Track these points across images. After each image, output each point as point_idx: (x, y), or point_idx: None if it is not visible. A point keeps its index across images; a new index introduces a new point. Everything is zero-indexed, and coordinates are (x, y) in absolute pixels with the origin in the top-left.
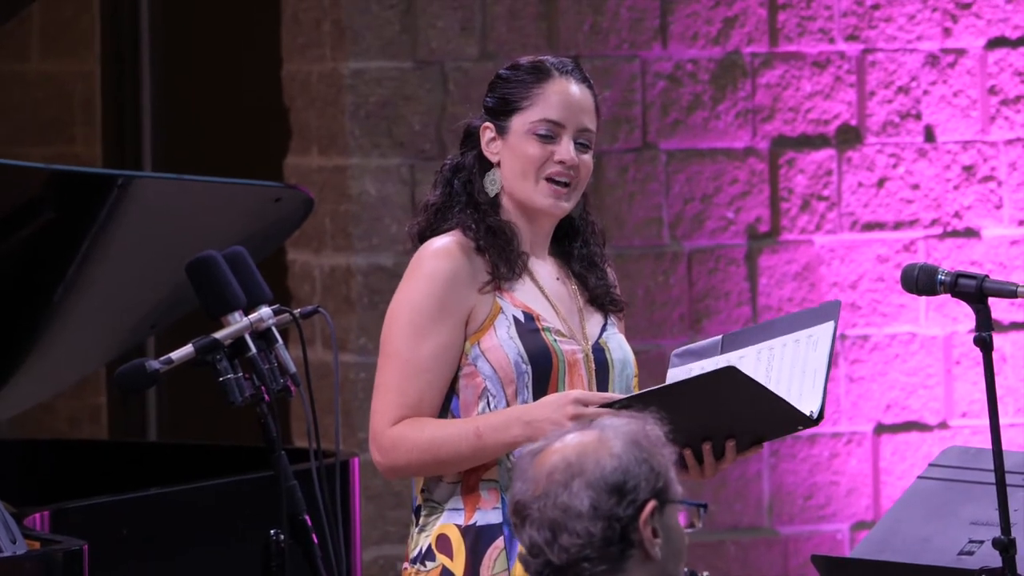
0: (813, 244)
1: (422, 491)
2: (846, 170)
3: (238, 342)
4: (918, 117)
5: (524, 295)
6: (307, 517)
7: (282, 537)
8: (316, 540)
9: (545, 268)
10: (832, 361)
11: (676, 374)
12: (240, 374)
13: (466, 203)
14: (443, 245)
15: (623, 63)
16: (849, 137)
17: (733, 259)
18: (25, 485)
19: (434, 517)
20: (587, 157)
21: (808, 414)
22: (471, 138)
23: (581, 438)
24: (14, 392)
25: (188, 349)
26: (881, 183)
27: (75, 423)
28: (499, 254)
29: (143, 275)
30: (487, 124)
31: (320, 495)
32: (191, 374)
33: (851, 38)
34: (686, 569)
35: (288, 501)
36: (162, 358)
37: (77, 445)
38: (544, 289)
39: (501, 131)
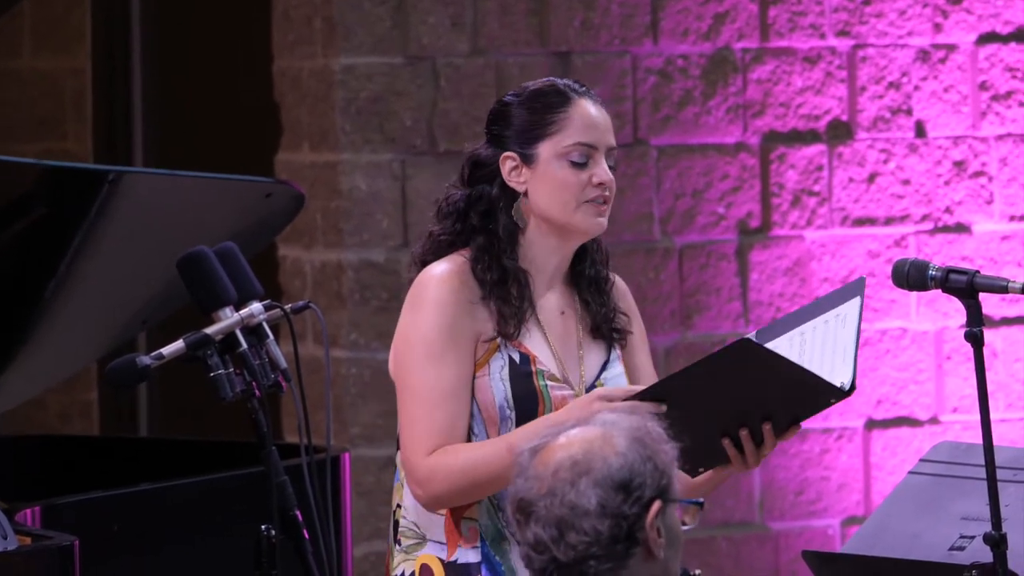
0: (804, 239)
1: (398, 506)
2: (837, 165)
3: (229, 338)
4: (909, 112)
5: (523, 336)
6: (298, 513)
7: (273, 533)
8: (307, 536)
9: (551, 302)
10: (860, 334)
11: None
12: (231, 370)
13: (484, 238)
14: (444, 272)
15: (614, 59)
16: (840, 132)
17: (724, 254)
18: (16, 481)
19: (416, 543)
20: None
21: (839, 385)
22: (482, 168)
23: (584, 435)
24: (5, 388)
25: (179, 345)
26: (872, 178)
27: (66, 419)
28: (506, 305)
29: (134, 271)
30: (508, 154)
31: (311, 491)
32: (182, 370)
33: (842, 34)
34: (681, 568)
35: (279, 497)
36: (153, 354)
37: (68, 441)
38: (545, 329)
39: (528, 160)
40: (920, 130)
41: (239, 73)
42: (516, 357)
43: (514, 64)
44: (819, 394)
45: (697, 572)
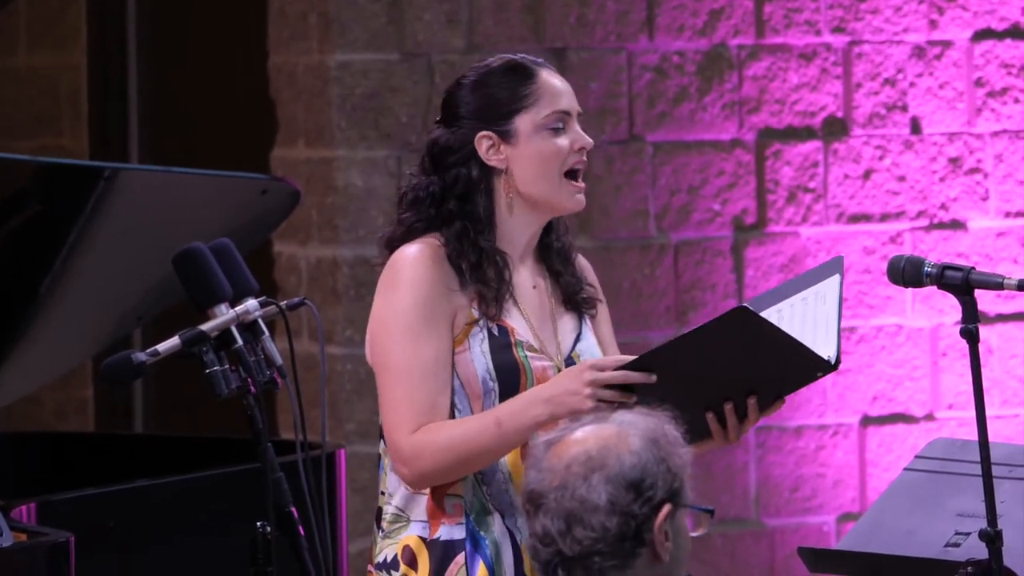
0: (799, 236)
1: (382, 493)
2: (832, 162)
3: (224, 334)
4: (904, 109)
5: (501, 312)
6: (293, 509)
7: (268, 529)
8: (302, 532)
9: (523, 276)
10: (842, 311)
11: None
12: (226, 366)
13: (460, 223)
14: (417, 251)
15: (609, 55)
16: (835, 129)
17: (719, 251)
18: (11, 478)
19: (399, 526)
20: None
21: (827, 358)
22: (452, 153)
23: (600, 431)
24: (0, 385)
25: (175, 341)
26: (867, 175)
27: (61, 415)
28: (486, 287)
29: (130, 267)
30: (485, 133)
31: (306, 487)
32: (177, 366)
33: (837, 30)
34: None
35: (274, 493)
36: (148, 350)
37: (63, 437)
38: (520, 303)
39: (506, 136)
40: (916, 127)
41: (235, 69)
42: (495, 330)
43: None
44: (807, 367)
45: None
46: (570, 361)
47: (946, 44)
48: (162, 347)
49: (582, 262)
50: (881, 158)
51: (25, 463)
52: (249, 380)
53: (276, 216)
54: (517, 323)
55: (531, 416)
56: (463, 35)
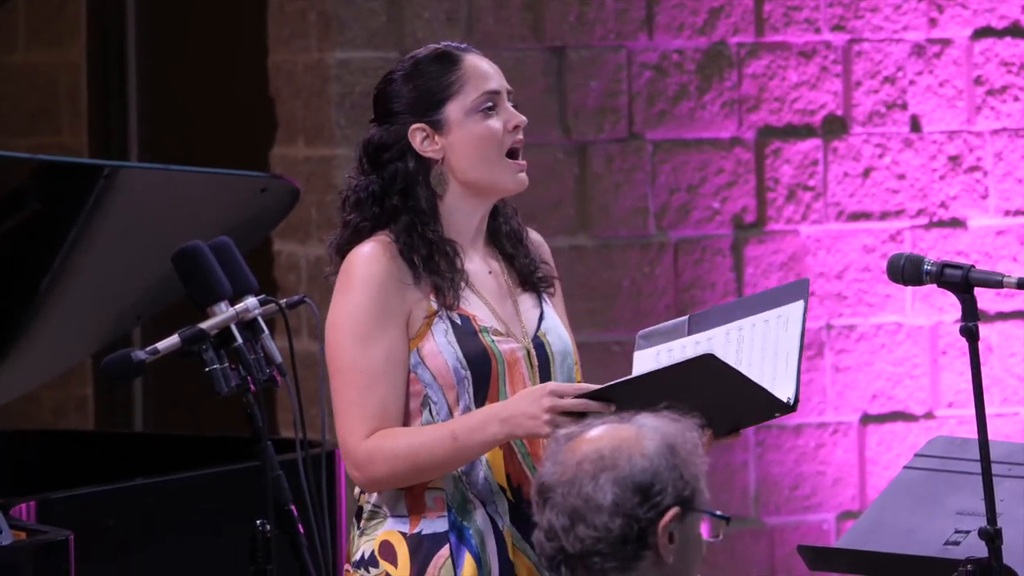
0: (799, 234)
1: (360, 493)
2: (832, 160)
3: (224, 332)
4: (904, 107)
5: (460, 302)
6: (293, 507)
7: (268, 527)
8: (302, 530)
9: (477, 263)
10: (803, 343)
11: (643, 356)
12: (226, 364)
13: (407, 217)
14: (370, 250)
15: (609, 53)
16: (835, 127)
17: (719, 249)
18: (11, 476)
19: (376, 522)
20: None
21: (785, 400)
22: (387, 150)
23: (618, 432)
24: (0, 383)
25: (174, 339)
26: (867, 173)
27: (61, 413)
28: (440, 278)
29: (129, 265)
30: (417, 126)
31: (306, 485)
32: (177, 364)
33: (837, 28)
34: None
35: (274, 491)
36: (148, 348)
37: (63, 435)
38: (477, 289)
39: (438, 126)
40: (915, 125)
41: (234, 68)
42: (457, 319)
43: (509, 59)
44: (765, 408)
45: None
46: (538, 342)
47: (946, 42)
48: (162, 345)
49: (535, 238)
50: (881, 156)
51: (24, 461)
52: (249, 378)
53: (276, 214)
54: (478, 310)
55: (488, 434)
56: (462, 33)
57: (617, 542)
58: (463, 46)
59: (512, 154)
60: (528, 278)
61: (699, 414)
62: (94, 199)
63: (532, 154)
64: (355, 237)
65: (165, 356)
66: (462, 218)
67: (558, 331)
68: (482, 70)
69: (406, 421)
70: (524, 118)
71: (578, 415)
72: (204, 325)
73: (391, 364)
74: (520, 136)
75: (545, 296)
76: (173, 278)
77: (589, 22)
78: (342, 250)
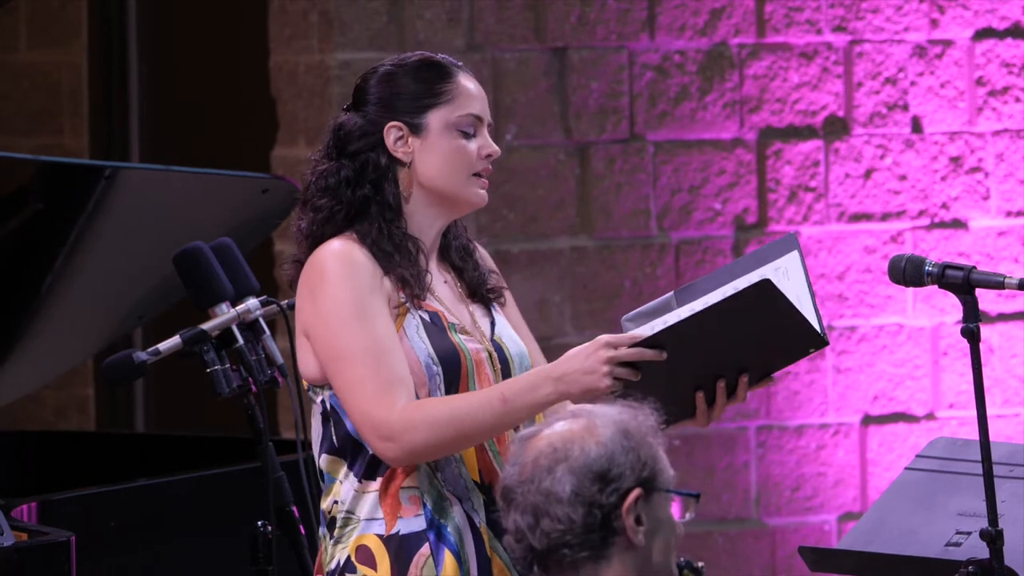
0: (800, 235)
1: (335, 502)
2: (833, 161)
3: (225, 333)
4: (905, 108)
5: (426, 299)
6: (294, 508)
7: (269, 528)
8: (303, 531)
9: (433, 271)
10: (812, 286)
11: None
12: (227, 365)
13: (376, 208)
14: (341, 244)
15: (611, 54)
16: (836, 128)
17: (720, 250)
18: (12, 477)
19: (350, 528)
20: None
21: (821, 334)
22: (364, 138)
23: (570, 425)
24: (1, 384)
25: (176, 340)
26: (868, 174)
27: (62, 414)
28: (408, 271)
29: (130, 266)
30: (394, 123)
31: (307, 486)
32: (178, 365)
33: (838, 29)
34: (682, 559)
35: (275, 492)
36: (150, 349)
37: (64, 436)
38: (437, 295)
39: (416, 129)
40: (916, 126)
41: (235, 68)
42: (426, 316)
43: (510, 60)
44: (803, 343)
45: (700, 564)
46: (496, 345)
47: (947, 43)
48: (163, 346)
49: (481, 251)
50: (882, 157)
51: (26, 462)
52: (250, 379)
53: (277, 215)
54: (441, 308)
55: (541, 394)
56: (464, 34)
57: (583, 531)
58: (458, 63)
59: (478, 175)
60: (478, 290)
61: (739, 359)
62: (95, 200)
63: (533, 155)
64: (327, 223)
65: (166, 357)
66: (422, 225)
67: (511, 335)
68: (472, 92)
69: None
70: (498, 149)
71: (634, 366)
72: (205, 326)
73: (394, 338)
74: (489, 166)
75: (495, 306)
76: (174, 279)
77: (590, 23)
78: (314, 236)
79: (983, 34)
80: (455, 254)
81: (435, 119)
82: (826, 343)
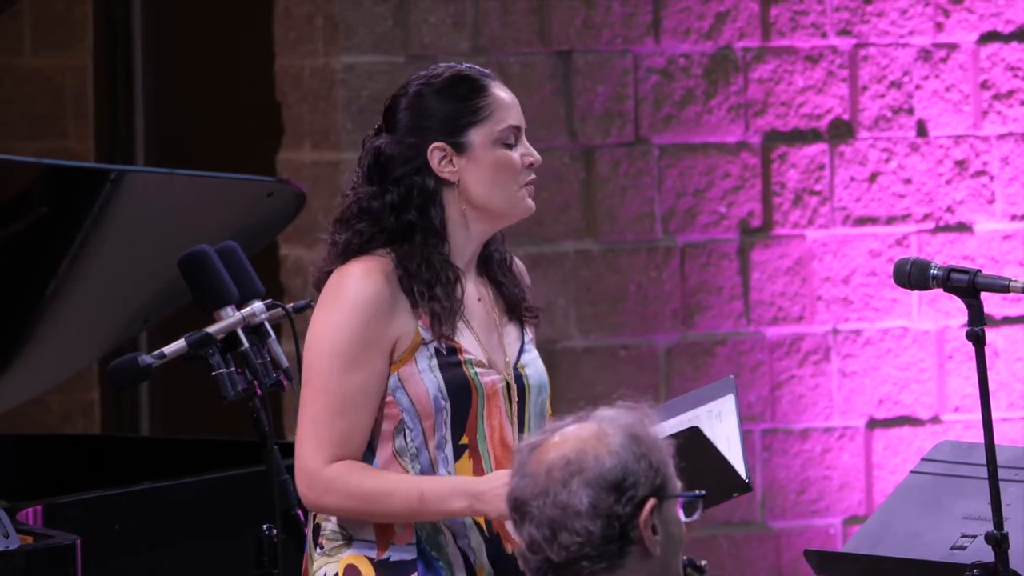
0: (805, 239)
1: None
2: (838, 164)
3: (231, 336)
4: (910, 112)
5: (455, 331)
6: (300, 512)
7: (274, 532)
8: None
9: (469, 289)
10: (743, 432)
11: None
12: (233, 368)
13: (420, 235)
14: (366, 270)
15: (616, 58)
16: (841, 132)
17: (725, 254)
18: (18, 480)
19: (339, 544)
20: None
21: (745, 480)
22: (405, 164)
23: (579, 432)
24: (6, 387)
25: (181, 344)
26: (873, 178)
27: (67, 418)
28: (442, 304)
29: (136, 270)
30: (437, 145)
31: None
32: (184, 369)
33: (843, 33)
34: (685, 558)
35: (281, 496)
36: (155, 353)
37: (69, 440)
38: (467, 318)
39: (460, 148)
40: (922, 129)
41: (240, 72)
42: (443, 349)
43: (515, 63)
44: (727, 487)
45: (703, 563)
46: (517, 372)
47: (952, 47)
48: (168, 350)
49: (519, 266)
50: (887, 161)
51: (31, 465)
52: (255, 383)
53: (282, 218)
54: (466, 340)
55: (456, 507)
56: (469, 37)
57: (601, 543)
58: (486, 72)
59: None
60: (515, 307)
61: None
62: (100, 203)
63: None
64: (364, 247)
65: (172, 360)
66: (463, 243)
67: (536, 364)
68: (507, 102)
69: (378, 444)
70: (540, 157)
71: None
72: (211, 329)
73: (365, 395)
74: (533, 175)
75: (527, 327)
76: (179, 282)
77: (596, 26)
78: (347, 254)
79: (988, 38)
80: (497, 267)
81: (477, 136)
82: (750, 488)
